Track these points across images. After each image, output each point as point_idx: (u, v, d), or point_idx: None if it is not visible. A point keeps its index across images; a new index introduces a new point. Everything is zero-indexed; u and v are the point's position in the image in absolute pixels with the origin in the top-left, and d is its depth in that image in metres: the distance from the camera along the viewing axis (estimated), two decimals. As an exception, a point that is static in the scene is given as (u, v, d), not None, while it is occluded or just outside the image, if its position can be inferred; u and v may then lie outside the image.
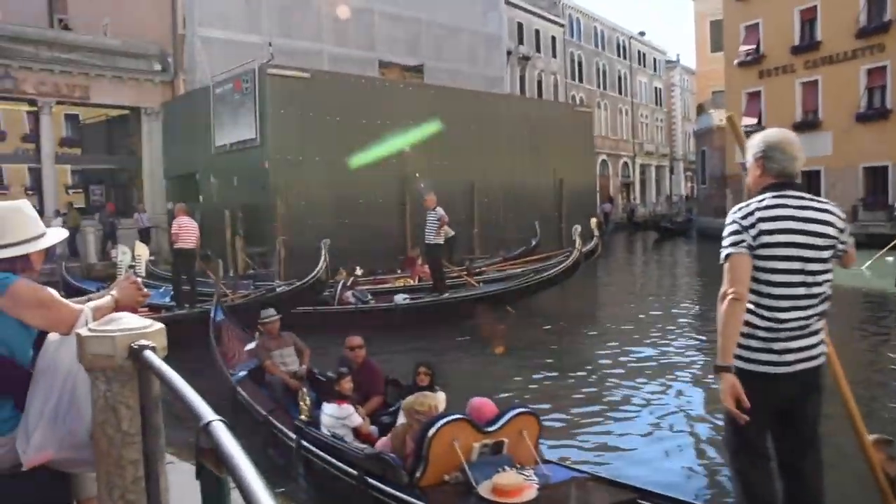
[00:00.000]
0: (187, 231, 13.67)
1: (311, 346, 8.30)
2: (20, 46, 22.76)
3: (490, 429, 4.77)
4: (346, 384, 6.16)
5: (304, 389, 6.77)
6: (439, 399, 5.58)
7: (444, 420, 4.64)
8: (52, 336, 2.56)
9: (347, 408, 5.99)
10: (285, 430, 6.25)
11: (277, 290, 13.13)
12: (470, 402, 5.19)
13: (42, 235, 2.75)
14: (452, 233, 16.49)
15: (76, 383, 2.41)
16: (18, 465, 2.45)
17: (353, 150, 19.93)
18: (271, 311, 8.27)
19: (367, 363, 7.02)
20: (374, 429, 6.17)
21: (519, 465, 4.72)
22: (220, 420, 1.43)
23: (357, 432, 5.97)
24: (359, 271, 16.11)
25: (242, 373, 7.91)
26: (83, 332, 2.24)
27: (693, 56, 52.91)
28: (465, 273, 16.13)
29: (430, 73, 29.74)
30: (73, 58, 23.70)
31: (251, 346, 8.51)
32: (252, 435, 6.61)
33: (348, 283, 14.43)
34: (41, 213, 22.10)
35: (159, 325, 2.28)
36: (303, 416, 6.33)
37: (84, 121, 27.29)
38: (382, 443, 5.49)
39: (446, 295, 13.98)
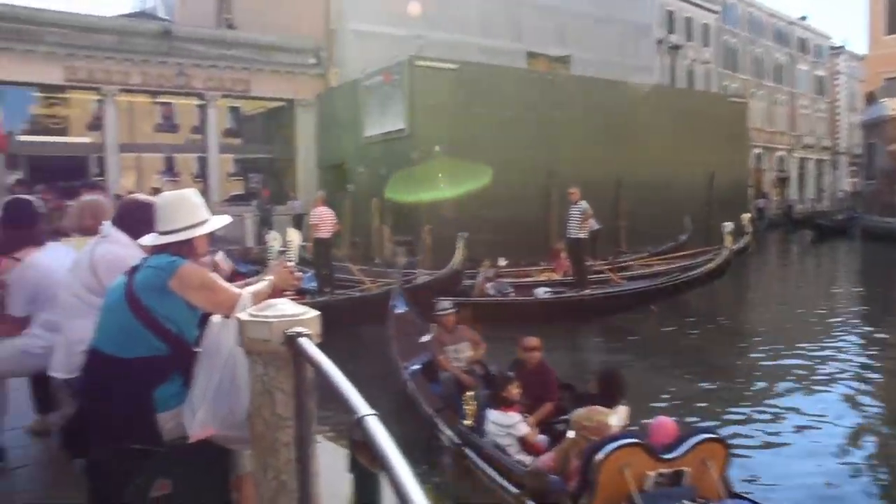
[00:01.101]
0: (325, 220, 14.12)
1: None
2: (192, 46, 24.55)
3: (668, 456, 4.19)
4: (514, 390, 5.74)
5: (472, 392, 6.36)
6: (617, 414, 5.03)
7: (615, 444, 4.11)
8: (215, 318, 2.69)
9: (513, 415, 5.62)
10: (449, 432, 5.96)
11: (415, 280, 13.29)
12: (651, 423, 4.73)
13: (205, 222, 2.89)
14: (597, 227, 16.11)
15: (236, 364, 2.52)
16: (185, 437, 2.60)
17: (499, 142, 19.91)
18: (446, 303, 7.98)
19: (542, 366, 6.51)
20: (543, 438, 5.72)
21: (702, 500, 4.17)
22: (374, 414, 1.41)
23: (523, 442, 5.57)
24: (502, 262, 16.02)
25: (416, 366, 7.64)
26: (243, 316, 2.33)
27: (863, 40, 49.03)
28: (608, 268, 15.67)
29: (578, 63, 29.23)
30: (237, 54, 25.25)
31: (426, 338, 8.21)
32: (420, 432, 6.44)
33: (489, 275, 14.39)
34: (206, 198, 23.58)
35: (314, 313, 2.33)
36: (467, 421, 5.99)
37: (245, 113, 28.85)
38: (546, 459, 5.07)
39: (587, 291, 13.59)
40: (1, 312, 4.05)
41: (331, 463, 2.80)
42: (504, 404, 5.68)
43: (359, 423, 1.40)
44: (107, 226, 3.39)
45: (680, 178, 24.03)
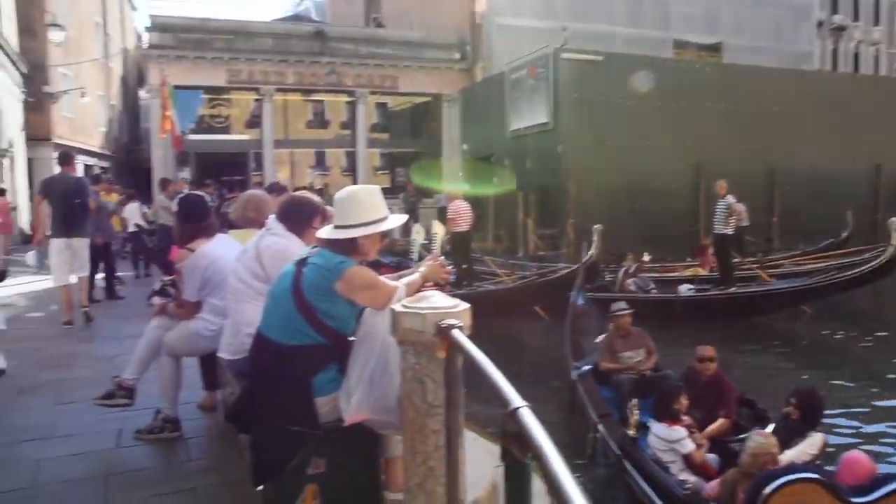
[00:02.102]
0: (462, 214, 14.22)
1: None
2: (343, 45, 25.61)
3: (860, 500, 3.59)
4: (684, 401, 5.36)
5: (635, 400, 5.87)
6: (812, 443, 4.54)
7: (790, 477, 3.62)
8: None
9: (679, 430, 5.23)
10: (610, 441, 5.60)
11: (552, 274, 13.16)
12: (841, 457, 4.13)
13: (379, 220, 2.90)
14: (746, 222, 15.36)
15: (389, 352, 2.63)
16: (340, 420, 2.76)
17: (646, 134, 19.40)
18: (622, 304, 7.60)
19: (718, 378, 5.98)
20: (713, 458, 5.27)
21: None
22: (527, 406, 1.44)
23: (689, 460, 5.16)
24: (647, 257, 15.58)
25: (586, 367, 7.26)
26: (397, 307, 2.42)
27: None
28: (756, 266, 14.83)
29: (729, 50, 27.91)
30: (385, 52, 26.07)
31: (601, 338, 7.79)
32: (582, 435, 6.16)
33: (631, 270, 14.01)
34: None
35: (465, 305, 2.39)
36: (630, 431, 5.54)
37: (391, 108, 29.66)
38: (712, 486, 4.69)
39: (733, 289, 12.97)
40: (178, 298, 4.43)
41: (472, 452, 2.88)
42: (670, 417, 5.30)
43: (512, 414, 1.43)
44: (271, 219, 3.63)
45: (840, 170, 22.38)
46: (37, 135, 22.86)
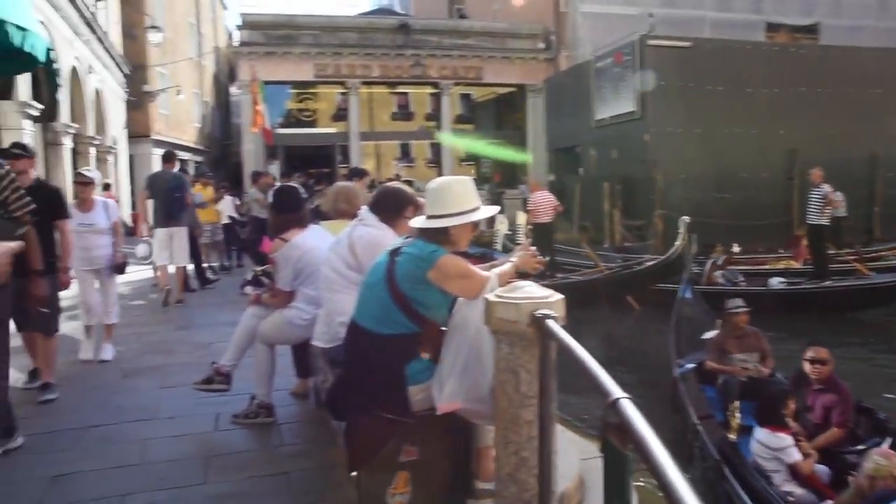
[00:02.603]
0: (542, 205, 14.09)
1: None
2: (427, 37, 25.74)
3: None
4: (791, 406, 5.00)
5: (737, 402, 5.50)
6: None
7: None
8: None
9: (784, 438, 4.82)
10: (709, 444, 5.19)
11: (638, 266, 12.90)
12: None
13: (470, 211, 2.89)
14: (843, 212, 14.65)
15: (482, 342, 2.63)
16: (432, 409, 2.78)
17: (736, 122, 18.79)
18: (738, 300, 7.06)
19: (832, 382, 5.50)
20: (823, 469, 4.85)
21: None
22: (628, 398, 1.42)
23: (794, 471, 4.77)
24: (736, 249, 15.03)
25: (690, 364, 6.85)
26: (491, 297, 2.42)
27: None
28: (855, 258, 13.94)
29: (826, 31, 26.63)
30: (469, 43, 26.08)
31: (709, 335, 7.25)
32: (682, 438, 5.85)
33: (720, 262, 13.56)
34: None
35: (559, 296, 2.37)
36: (731, 435, 5.22)
37: (475, 99, 29.65)
38: None
39: (828, 282, 12.33)
40: (273, 287, 4.56)
41: (558, 443, 2.86)
42: (775, 423, 4.89)
43: (613, 406, 1.41)
44: (364, 210, 3.68)
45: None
46: (137, 132, 23.88)
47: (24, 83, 11.36)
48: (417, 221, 2.98)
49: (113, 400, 5.07)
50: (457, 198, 2.88)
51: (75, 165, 14.69)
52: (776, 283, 12.72)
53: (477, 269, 2.86)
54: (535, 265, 3.08)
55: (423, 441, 2.89)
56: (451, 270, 2.75)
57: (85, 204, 6.21)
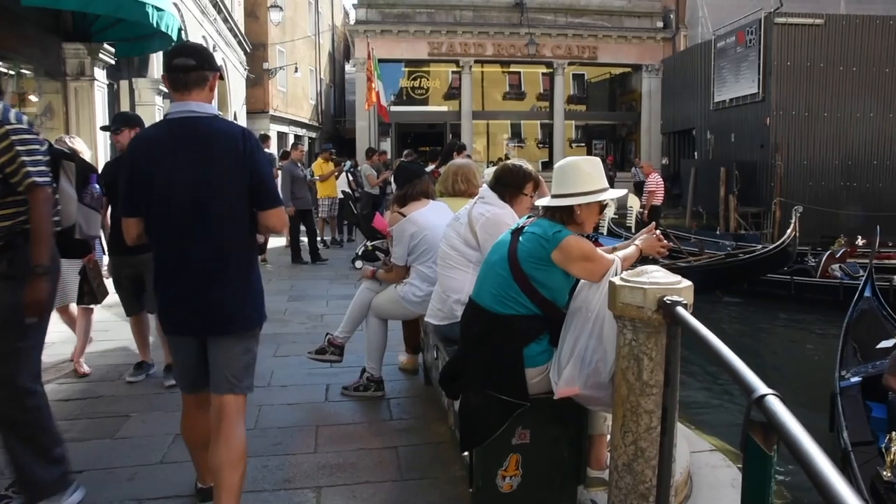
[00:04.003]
0: (659, 189, 13.75)
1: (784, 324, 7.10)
2: (542, 16, 25.34)
3: None
4: None
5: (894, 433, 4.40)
6: None
7: None
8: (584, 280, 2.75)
9: None
10: (859, 478, 4.37)
11: (741, 254, 12.32)
12: None
13: (596, 192, 2.81)
14: None
15: (604, 326, 2.55)
16: (549, 393, 2.73)
17: (870, 104, 17.62)
18: None
19: None
20: None
21: None
22: (775, 394, 1.32)
23: None
24: (859, 241, 14.12)
25: (856, 378, 5.78)
26: (616, 280, 2.34)
27: None
28: None
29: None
30: (584, 21, 25.50)
31: (888, 343, 6.28)
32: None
33: (838, 254, 12.76)
34: (549, 165, 24.49)
35: (688, 282, 2.26)
36: (885, 473, 4.21)
37: (589, 79, 29.05)
38: None
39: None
40: (388, 262, 4.60)
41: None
42: None
43: (758, 403, 1.32)
44: (484, 188, 3.64)
45: None
46: (255, 108, 24.69)
47: (157, 62, 11.90)
48: (543, 200, 2.93)
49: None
50: (585, 177, 2.80)
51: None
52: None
53: (603, 253, 2.77)
54: (660, 250, 2.97)
55: (537, 425, 2.84)
56: (575, 252, 2.67)
57: None
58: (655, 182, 13.92)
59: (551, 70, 26.15)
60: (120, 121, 4.78)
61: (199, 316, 2.62)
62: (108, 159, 8.55)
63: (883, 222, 15.89)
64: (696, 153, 22.25)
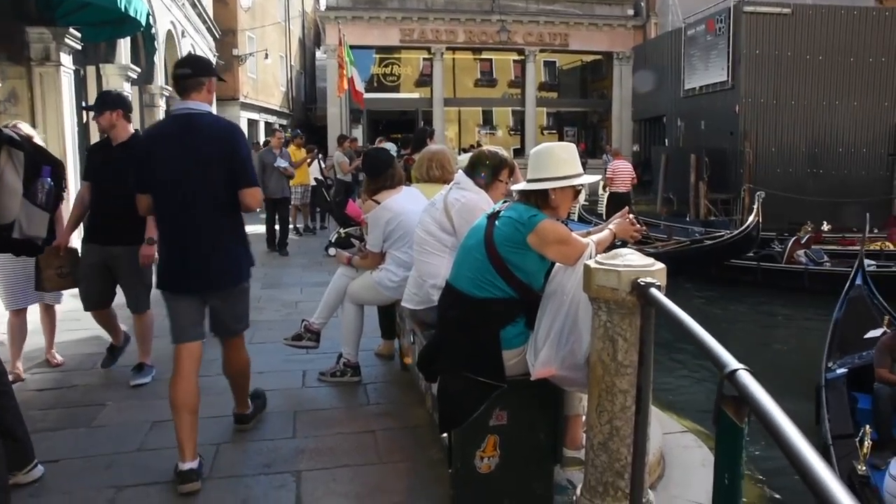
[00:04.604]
0: (622, 174, 13.73)
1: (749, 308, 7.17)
2: (514, 3, 25.36)
3: None
4: None
5: (868, 426, 4.60)
6: None
7: None
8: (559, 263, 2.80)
9: None
10: (836, 473, 4.27)
11: (706, 240, 12.53)
12: None
13: (569, 177, 2.84)
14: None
15: (579, 308, 2.60)
16: (526, 374, 2.78)
17: (836, 93, 17.94)
18: None
19: None
20: None
21: None
22: (746, 369, 1.37)
23: None
24: (825, 227, 14.40)
25: (842, 370, 5.75)
26: (591, 263, 2.38)
27: None
28: None
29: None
30: (556, 9, 25.60)
31: (875, 333, 6.25)
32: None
33: (804, 240, 12.98)
34: (523, 152, 24.58)
35: (660, 265, 2.31)
36: (860, 466, 4.35)
37: (561, 66, 29.15)
38: None
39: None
40: (363, 248, 4.62)
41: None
42: None
43: (730, 377, 1.37)
44: (460, 174, 3.67)
45: None
46: (225, 95, 24.41)
47: (124, 47, 11.70)
48: (519, 185, 2.97)
49: (204, 353, 5.23)
50: (560, 162, 2.84)
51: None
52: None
53: (577, 236, 2.82)
54: (633, 234, 3.03)
55: (515, 406, 2.89)
56: (550, 236, 2.72)
57: None
58: (612, 169, 13.90)
59: (523, 57, 26.23)
60: (100, 103, 4.62)
61: (198, 276, 3.26)
62: (78, 147, 8.42)
63: (848, 209, 16.30)
64: (666, 140, 22.48)
